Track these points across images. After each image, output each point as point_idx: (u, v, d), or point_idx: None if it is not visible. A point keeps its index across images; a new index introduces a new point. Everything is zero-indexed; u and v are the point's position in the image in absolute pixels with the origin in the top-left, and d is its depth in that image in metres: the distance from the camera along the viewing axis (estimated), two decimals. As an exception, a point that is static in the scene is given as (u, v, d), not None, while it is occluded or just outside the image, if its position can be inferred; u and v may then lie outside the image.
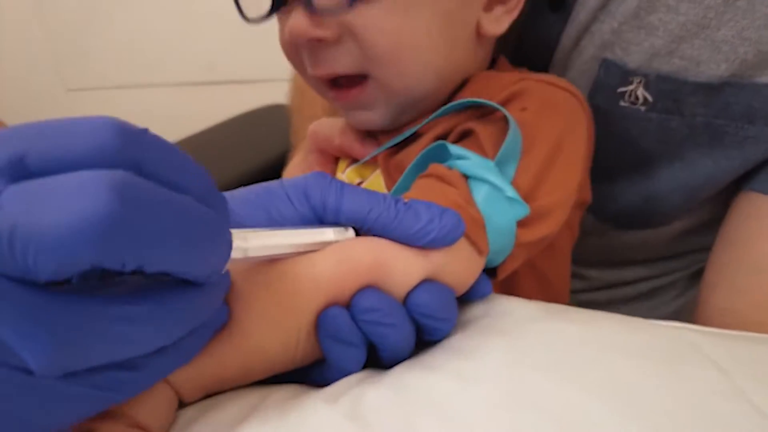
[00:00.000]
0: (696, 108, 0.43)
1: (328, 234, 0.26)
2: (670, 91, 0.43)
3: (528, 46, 0.46)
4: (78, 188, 0.16)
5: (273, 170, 0.82)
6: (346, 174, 0.46)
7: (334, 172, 0.48)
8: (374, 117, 0.42)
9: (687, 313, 0.61)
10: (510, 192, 0.32)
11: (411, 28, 0.37)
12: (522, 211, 0.32)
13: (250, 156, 0.87)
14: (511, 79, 0.40)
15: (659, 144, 0.46)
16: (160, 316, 0.19)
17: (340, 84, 0.41)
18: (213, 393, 0.26)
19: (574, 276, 0.62)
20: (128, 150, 0.18)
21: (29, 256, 0.16)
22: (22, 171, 0.17)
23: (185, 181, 0.19)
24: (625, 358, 0.25)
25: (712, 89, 0.42)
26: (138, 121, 0.19)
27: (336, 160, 0.49)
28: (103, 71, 1.45)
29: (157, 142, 0.19)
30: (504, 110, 0.35)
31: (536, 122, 0.36)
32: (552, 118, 0.38)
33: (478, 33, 0.41)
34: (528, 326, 0.29)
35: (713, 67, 0.41)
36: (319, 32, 0.37)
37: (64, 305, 0.17)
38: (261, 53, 1.28)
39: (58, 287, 0.17)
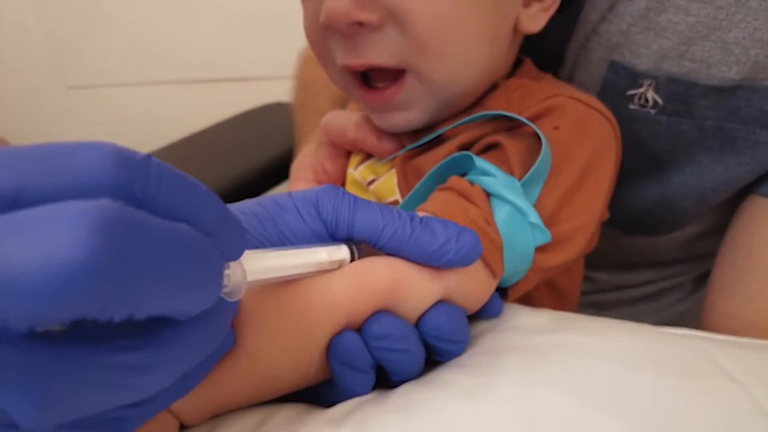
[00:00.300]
0: (707, 111, 0.42)
1: (320, 254, 0.25)
2: (680, 93, 0.42)
3: (539, 47, 0.45)
4: (55, 223, 0.14)
5: (275, 169, 0.81)
6: (359, 170, 0.44)
7: (345, 167, 0.46)
8: (411, 117, 0.39)
9: (693, 315, 0.61)
10: (533, 217, 0.31)
11: (461, 16, 0.35)
12: (543, 238, 0.31)
13: (251, 155, 0.86)
14: (544, 93, 0.39)
15: (669, 147, 0.45)
16: (164, 362, 0.17)
17: (371, 84, 0.38)
18: (218, 414, 0.25)
19: (583, 279, 0.61)
20: (125, 179, 0.16)
21: None
22: (2, 204, 0.15)
23: (192, 212, 0.18)
24: (639, 373, 0.25)
25: (723, 92, 0.41)
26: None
27: (348, 154, 0.46)
28: (104, 69, 1.44)
29: (160, 169, 0.17)
30: (538, 130, 0.34)
31: (567, 143, 0.35)
32: (583, 140, 0.36)
33: (515, 29, 0.39)
34: (538, 340, 0.28)
35: (724, 70, 0.40)
36: (363, 15, 0.33)
37: (51, 356, 0.15)
38: (262, 51, 1.28)
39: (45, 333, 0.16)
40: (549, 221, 0.33)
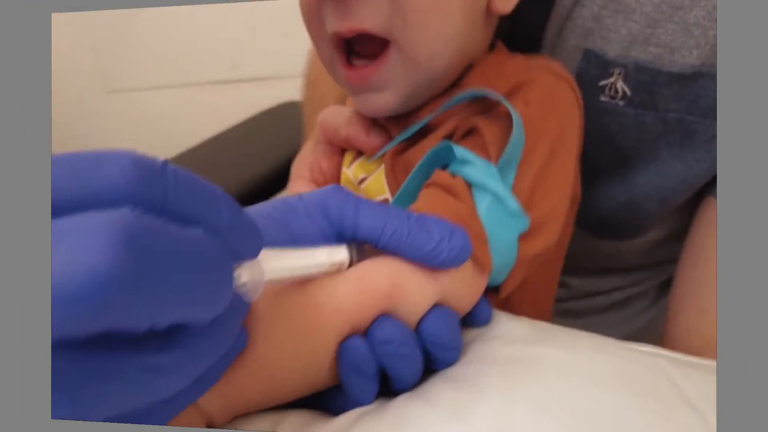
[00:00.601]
0: (669, 102, 0.39)
1: (320, 256, 0.23)
2: (646, 83, 0.38)
3: (517, 34, 0.42)
4: (80, 236, 0.13)
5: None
6: (352, 169, 0.40)
7: (340, 165, 0.42)
8: (388, 98, 0.35)
9: (658, 326, 0.58)
10: (512, 204, 0.29)
11: None
12: (523, 224, 0.29)
13: (278, 152, 0.79)
14: (518, 67, 0.36)
15: (635, 142, 0.42)
16: (186, 363, 0.17)
17: (355, 63, 0.35)
18: (242, 414, 0.24)
19: (558, 284, 0.60)
20: (145, 187, 0.15)
21: None
22: None
23: (206, 215, 0.17)
24: (605, 391, 0.24)
25: (684, 80, 0.37)
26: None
27: (343, 151, 0.42)
28: (140, 74, 1.44)
29: (176, 175, 0.16)
30: (512, 109, 0.31)
31: (536, 121, 0.32)
32: (550, 115, 0.33)
33: (488, 9, 0.36)
34: (518, 352, 0.27)
35: (686, 54, 0.37)
36: None
37: (78, 361, 0.15)
38: (285, 50, 1.25)
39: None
40: (525, 206, 0.30)
